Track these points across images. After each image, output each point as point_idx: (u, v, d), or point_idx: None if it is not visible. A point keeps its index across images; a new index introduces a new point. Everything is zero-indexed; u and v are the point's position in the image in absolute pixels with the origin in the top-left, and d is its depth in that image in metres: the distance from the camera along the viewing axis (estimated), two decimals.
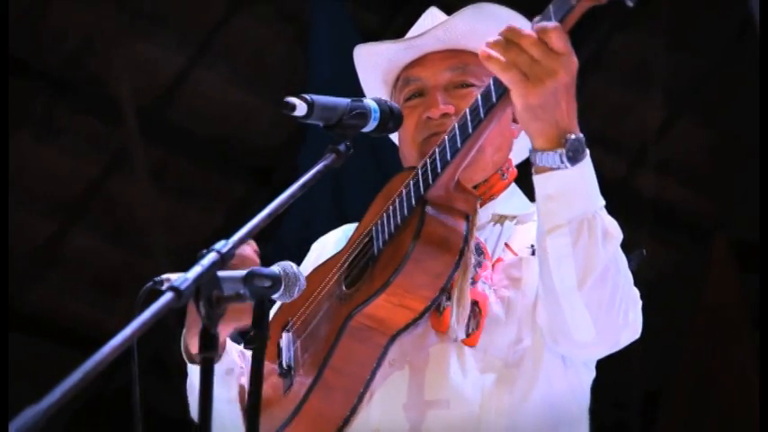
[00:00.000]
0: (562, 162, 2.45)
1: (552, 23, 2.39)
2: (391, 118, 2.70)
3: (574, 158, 2.45)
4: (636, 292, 2.65)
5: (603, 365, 2.81)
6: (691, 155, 8.45)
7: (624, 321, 2.61)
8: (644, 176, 8.20)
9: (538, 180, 2.51)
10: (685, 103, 8.35)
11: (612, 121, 8.25)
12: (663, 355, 8.27)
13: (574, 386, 2.77)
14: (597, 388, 2.84)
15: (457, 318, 2.67)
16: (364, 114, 2.65)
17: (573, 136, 2.45)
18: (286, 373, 2.78)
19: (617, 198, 8.38)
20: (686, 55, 8.10)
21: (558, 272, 2.54)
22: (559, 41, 2.39)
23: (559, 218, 2.50)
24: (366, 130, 2.67)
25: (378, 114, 2.67)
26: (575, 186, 2.49)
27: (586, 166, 2.49)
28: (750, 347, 8.14)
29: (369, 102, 2.68)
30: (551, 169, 2.47)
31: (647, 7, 7.72)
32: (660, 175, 8.21)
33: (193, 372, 2.81)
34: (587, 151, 2.48)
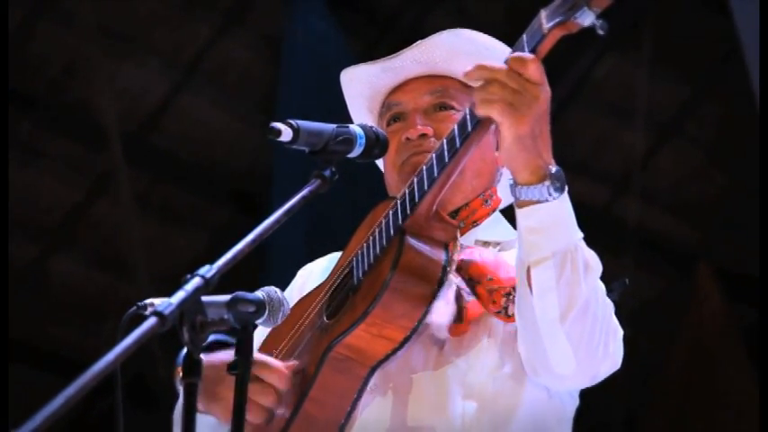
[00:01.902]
0: (550, 194, 2.47)
1: (529, 55, 2.42)
2: (377, 144, 2.70)
3: (561, 190, 2.47)
4: (616, 323, 2.65)
5: (586, 391, 2.80)
6: (674, 183, 8.48)
7: (604, 353, 2.60)
8: (628, 204, 8.22)
9: (522, 213, 2.51)
10: (669, 131, 8.38)
11: (596, 150, 8.28)
12: (645, 381, 8.28)
13: (557, 414, 2.77)
14: (579, 414, 2.84)
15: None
16: (350, 140, 2.65)
17: (554, 168, 2.47)
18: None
19: (601, 226, 8.45)
20: (669, 83, 8.14)
21: (540, 305, 2.53)
22: (536, 72, 2.42)
23: (544, 250, 2.50)
24: (351, 155, 2.68)
25: (363, 140, 2.67)
26: (558, 219, 2.49)
27: (566, 198, 2.50)
28: (733, 374, 8.16)
29: (354, 128, 2.69)
30: (535, 202, 2.48)
31: (629, 35, 7.76)
32: (644, 203, 8.24)
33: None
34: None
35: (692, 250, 8.53)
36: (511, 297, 2.67)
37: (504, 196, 2.94)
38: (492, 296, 2.69)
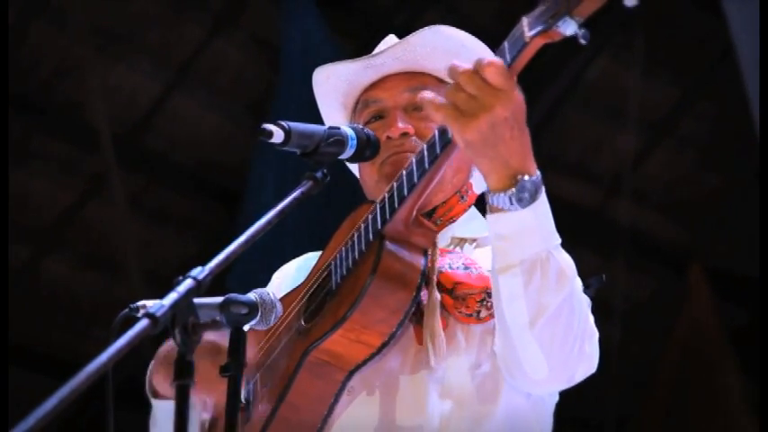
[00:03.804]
0: (512, 204, 2.44)
1: (494, 59, 2.39)
2: (368, 145, 2.70)
3: (524, 200, 2.44)
4: (592, 326, 2.63)
5: (579, 392, 2.80)
6: (666, 184, 8.49)
7: (579, 357, 2.59)
8: (620, 206, 8.23)
9: (490, 219, 2.49)
10: (661, 132, 8.39)
11: (588, 151, 8.28)
12: (637, 381, 8.29)
13: (537, 411, 2.76)
14: (571, 414, 2.83)
15: (435, 355, 2.66)
16: (341, 142, 2.65)
17: (525, 177, 2.43)
18: (244, 407, 2.76)
19: (593, 227, 8.45)
20: (661, 84, 8.15)
21: (509, 311, 2.52)
22: (496, 76, 2.37)
23: (512, 258, 2.49)
24: (343, 157, 2.67)
25: (355, 142, 2.67)
26: (527, 227, 2.46)
27: (540, 206, 2.46)
28: (723, 374, 8.17)
29: (346, 129, 2.68)
30: (502, 209, 2.46)
31: (622, 37, 7.77)
32: (636, 204, 8.25)
33: (158, 407, 2.79)
34: (542, 191, 2.47)
35: (683, 251, 8.54)
36: (484, 302, 2.66)
37: (479, 189, 2.92)
38: (465, 301, 2.69)
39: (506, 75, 2.38)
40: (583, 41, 2.29)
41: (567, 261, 2.54)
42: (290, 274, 3.01)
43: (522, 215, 2.45)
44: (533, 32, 2.33)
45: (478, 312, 2.68)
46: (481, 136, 2.40)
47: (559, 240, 2.53)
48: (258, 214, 2.47)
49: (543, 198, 2.47)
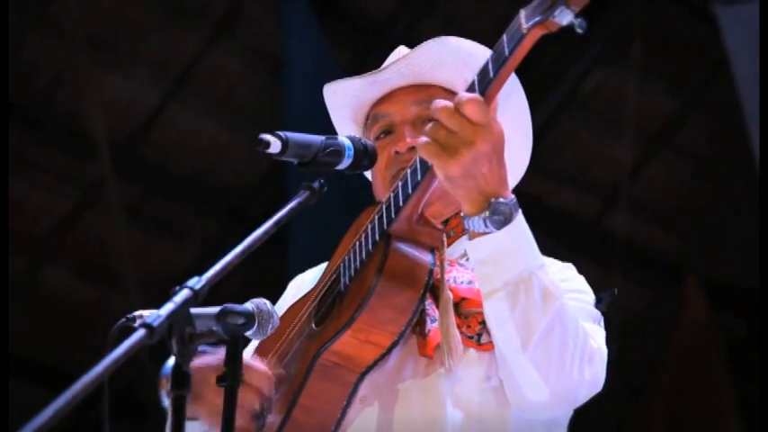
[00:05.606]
0: (486, 226, 2.48)
1: (470, 95, 2.43)
2: (365, 155, 2.70)
3: (498, 222, 2.47)
4: (594, 347, 2.63)
5: None
6: (663, 194, 8.49)
7: (580, 378, 2.60)
8: (617, 216, 8.23)
9: (469, 246, 2.53)
10: (658, 143, 8.40)
11: (585, 161, 8.29)
12: (635, 392, 8.29)
13: (549, 426, 2.76)
14: (570, 424, 2.83)
15: (451, 357, 2.65)
16: (338, 152, 2.65)
17: (500, 200, 2.47)
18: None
19: (590, 238, 8.44)
20: (658, 94, 8.16)
21: (500, 335, 2.55)
22: (475, 112, 2.43)
23: (495, 282, 2.52)
24: (340, 167, 2.67)
25: (352, 152, 2.67)
26: (505, 249, 2.49)
27: (516, 227, 2.49)
28: (721, 385, 8.17)
29: (343, 139, 2.68)
30: (481, 234, 2.49)
31: (619, 48, 7.78)
32: (633, 214, 8.25)
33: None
34: (518, 213, 2.50)
35: (680, 262, 8.54)
36: (485, 325, 2.66)
37: None
38: (467, 320, 2.70)
39: (485, 109, 2.43)
40: (579, 30, 2.32)
41: (551, 281, 2.56)
42: (306, 283, 3.03)
43: (499, 238, 2.48)
44: (530, 24, 2.36)
45: (479, 336, 2.68)
46: (464, 171, 2.45)
47: (543, 261, 2.56)
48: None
49: (519, 219, 2.50)
